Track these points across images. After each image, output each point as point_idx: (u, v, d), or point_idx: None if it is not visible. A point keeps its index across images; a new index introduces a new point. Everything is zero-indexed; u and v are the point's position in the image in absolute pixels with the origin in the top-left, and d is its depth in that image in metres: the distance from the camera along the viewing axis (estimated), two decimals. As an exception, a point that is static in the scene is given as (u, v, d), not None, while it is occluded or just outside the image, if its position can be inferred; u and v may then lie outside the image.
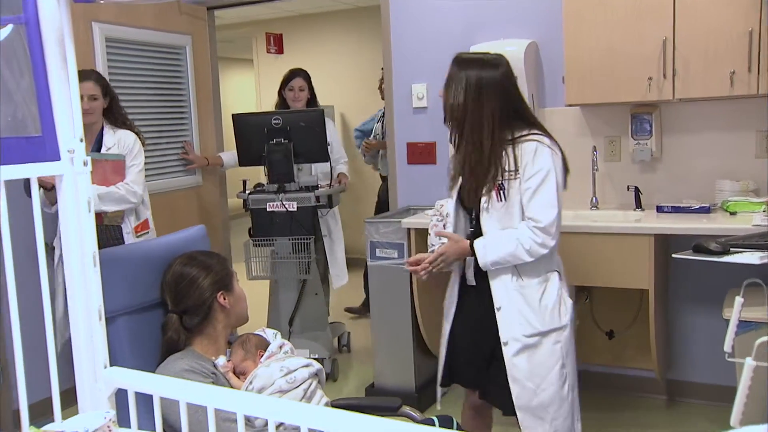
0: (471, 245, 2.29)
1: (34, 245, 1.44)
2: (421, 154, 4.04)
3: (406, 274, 3.54)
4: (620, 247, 3.02)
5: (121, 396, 1.50)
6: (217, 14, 4.80)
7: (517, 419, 2.31)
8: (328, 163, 3.99)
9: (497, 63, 2.28)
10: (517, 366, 2.28)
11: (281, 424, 1.72)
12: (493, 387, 2.38)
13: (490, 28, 3.71)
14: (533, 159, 2.20)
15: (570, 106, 3.44)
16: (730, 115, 3.30)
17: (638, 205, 3.39)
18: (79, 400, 1.52)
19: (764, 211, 2.96)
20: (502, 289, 2.29)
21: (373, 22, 4.90)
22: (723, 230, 2.79)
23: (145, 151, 3.53)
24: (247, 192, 3.90)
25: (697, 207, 3.19)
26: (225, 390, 1.43)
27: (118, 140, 3.38)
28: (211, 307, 1.97)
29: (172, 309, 1.96)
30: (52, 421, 1.42)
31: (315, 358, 2.38)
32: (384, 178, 5.35)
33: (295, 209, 3.78)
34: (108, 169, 3.30)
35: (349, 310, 5.37)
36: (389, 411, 2.08)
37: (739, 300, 2.10)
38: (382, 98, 5.37)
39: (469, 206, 2.37)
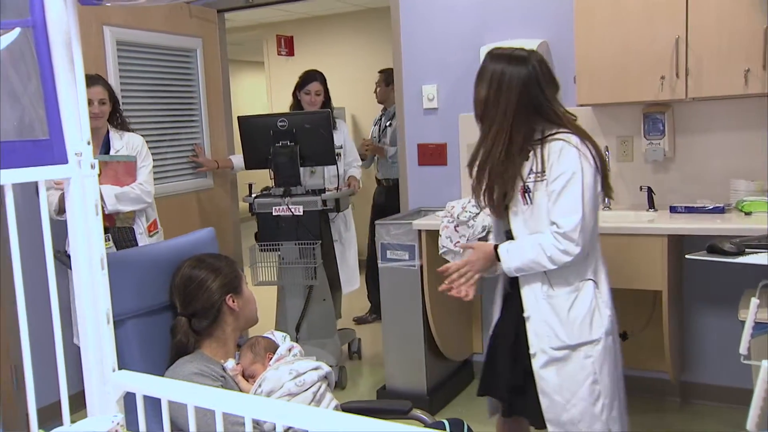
0: (496, 250, 2.21)
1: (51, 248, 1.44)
2: (432, 155, 4.02)
3: (417, 275, 3.53)
4: (633, 247, 2.99)
5: (130, 399, 1.49)
6: (227, 17, 4.81)
7: None
8: (335, 167, 3.94)
9: (525, 58, 2.16)
10: (545, 379, 2.18)
11: (290, 428, 1.71)
12: (522, 398, 2.27)
13: (501, 28, 3.69)
14: (558, 159, 2.10)
15: (581, 106, 3.41)
16: (744, 114, 3.26)
17: (651, 205, 3.36)
18: (87, 403, 1.51)
19: (780, 211, 2.93)
20: (531, 297, 2.19)
21: (383, 24, 4.89)
22: (738, 230, 2.76)
23: (155, 153, 3.58)
24: (253, 196, 3.84)
25: (711, 207, 3.15)
26: (233, 393, 1.43)
27: (126, 143, 3.46)
28: (220, 309, 1.96)
29: (181, 312, 1.95)
30: (61, 424, 1.41)
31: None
32: (379, 182, 5.33)
33: (302, 213, 3.71)
34: (120, 171, 3.36)
35: (357, 320, 5.29)
36: (399, 414, 2.06)
37: (754, 301, 2.07)
38: (378, 102, 5.39)
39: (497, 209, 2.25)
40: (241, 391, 1.88)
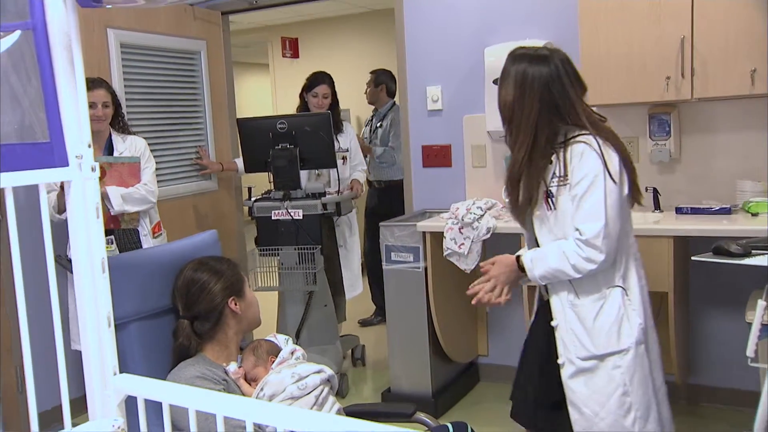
0: (518, 260, 2.15)
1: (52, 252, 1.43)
2: (437, 156, 4.01)
3: (421, 277, 3.52)
4: (639, 249, 2.96)
5: (131, 403, 1.49)
6: (232, 19, 4.81)
7: None
8: (336, 169, 3.84)
9: (547, 57, 2.08)
10: (573, 390, 2.10)
11: None
12: (551, 412, 2.19)
13: (505, 30, 3.68)
14: (579, 163, 2.01)
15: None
16: (750, 114, 3.24)
17: (657, 206, 3.34)
18: (89, 407, 1.50)
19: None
20: (558, 305, 2.12)
21: (387, 25, 4.89)
22: (744, 232, 2.74)
23: (160, 156, 3.59)
24: (253, 199, 3.76)
25: (717, 208, 3.13)
26: (234, 397, 1.42)
27: (129, 146, 3.47)
28: (222, 312, 1.96)
29: (183, 315, 1.95)
30: (62, 428, 1.41)
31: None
32: (371, 184, 5.31)
33: (301, 217, 3.61)
34: (124, 172, 3.38)
35: (362, 322, 5.28)
36: (403, 417, 2.05)
37: (761, 303, 2.06)
38: (369, 102, 5.40)
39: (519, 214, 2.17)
40: (243, 394, 1.88)
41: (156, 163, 3.62)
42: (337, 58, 7.22)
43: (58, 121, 1.40)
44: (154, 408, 1.46)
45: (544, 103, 2.04)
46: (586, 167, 2.01)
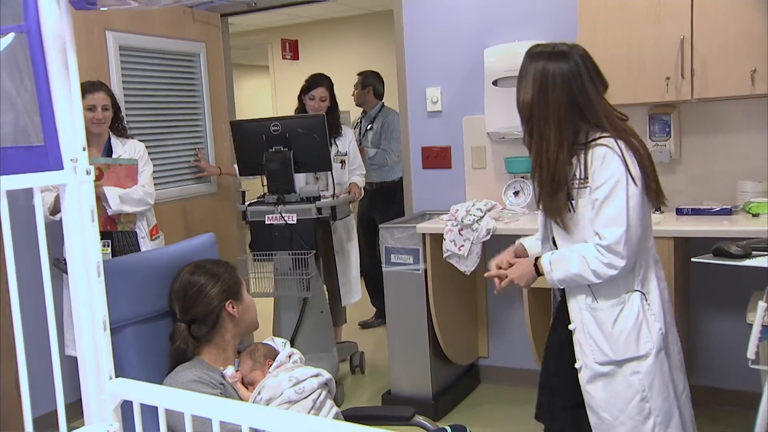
0: (536, 263, 2.12)
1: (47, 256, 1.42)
2: (436, 158, 4.00)
3: (421, 279, 3.51)
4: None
5: (127, 407, 1.48)
6: (231, 21, 4.81)
7: None
8: (331, 173, 3.75)
9: (567, 54, 2.03)
10: (591, 394, 2.08)
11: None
12: (568, 413, 2.18)
13: (505, 31, 3.68)
14: (601, 166, 1.97)
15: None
16: (751, 115, 3.23)
17: (657, 207, 3.31)
18: (84, 412, 1.50)
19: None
20: (576, 308, 2.09)
21: (387, 27, 4.89)
22: (745, 233, 2.72)
23: (158, 158, 3.60)
24: (246, 203, 3.69)
25: (717, 209, 3.12)
26: (230, 402, 1.41)
27: (128, 149, 3.48)
28: (220, 315, 1.95)
29: (180, 318, 1.94)
30: (58, 433, 1.40)
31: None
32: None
33: (295, 222, 3.53)
34: (121, 174, 3.38)
35: (362, 324, 5.27)
36: (401, 421, 2.04)
37: (762, 305, 2.05)
38: (356, 104, 5.39)
39: (551, 217, 2.11)
40: (240, 398, 1.87)
41: (154, 165, 3.63)
42: (337, 59, 7.22)
43: (53, 124, 1.40)
44: (151, 412, 1.46)
45: (565, 100, 2.00)
46: (608, 171, 1.97)
